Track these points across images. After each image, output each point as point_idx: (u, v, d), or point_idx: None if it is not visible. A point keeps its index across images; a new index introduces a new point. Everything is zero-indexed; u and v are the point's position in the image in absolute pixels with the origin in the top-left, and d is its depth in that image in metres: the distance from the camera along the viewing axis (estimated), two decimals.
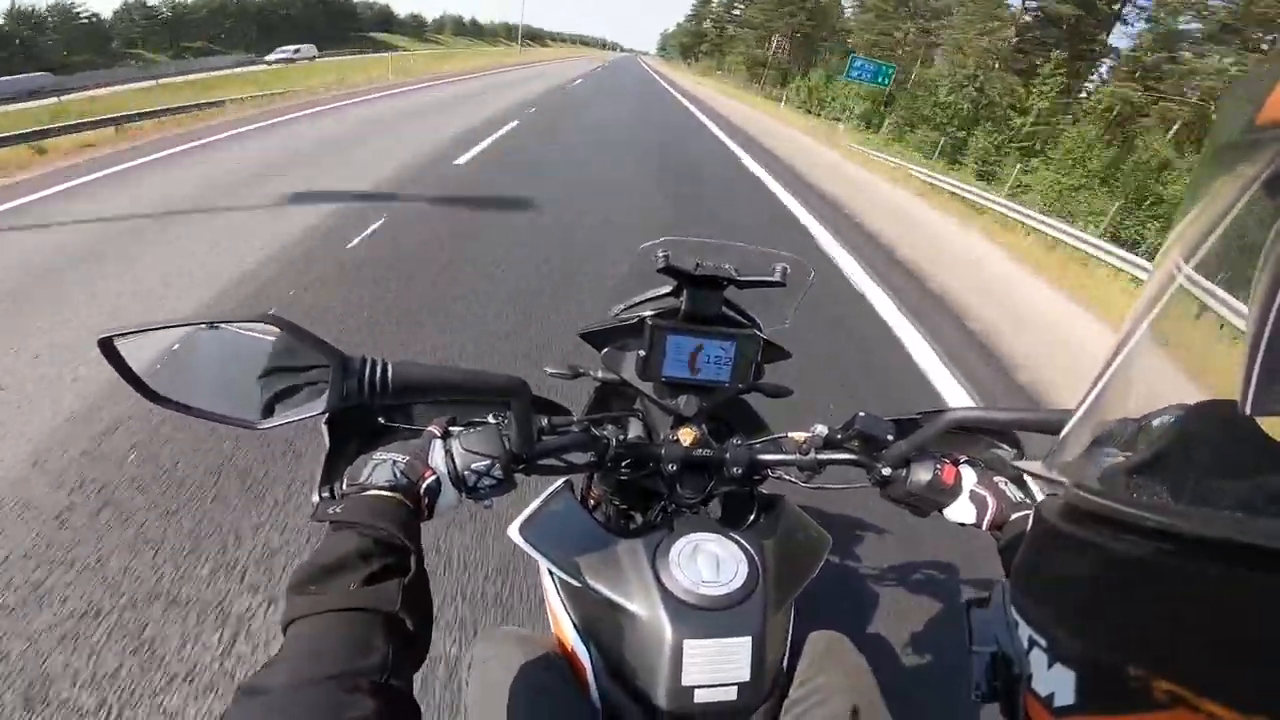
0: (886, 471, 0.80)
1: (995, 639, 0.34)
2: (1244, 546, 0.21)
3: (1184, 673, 0.22)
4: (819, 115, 32.34)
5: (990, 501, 0.75)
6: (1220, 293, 0.27)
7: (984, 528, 0.76)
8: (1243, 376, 0.24)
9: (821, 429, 0.85)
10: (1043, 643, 0.29)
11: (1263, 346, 0.23)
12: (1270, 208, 0.25)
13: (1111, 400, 0.32)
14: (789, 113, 29.15)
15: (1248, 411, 0.24)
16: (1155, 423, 0.29)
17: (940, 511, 0.79)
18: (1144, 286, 0.31)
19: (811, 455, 0.84)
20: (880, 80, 24.38)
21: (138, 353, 0.56)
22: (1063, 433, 0.34)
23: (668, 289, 0.89)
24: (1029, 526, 0.34)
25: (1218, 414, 0.26)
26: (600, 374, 0.93)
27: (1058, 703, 0.27)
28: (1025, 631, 0.30)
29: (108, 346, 0.54)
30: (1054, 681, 0.27)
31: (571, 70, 39.79)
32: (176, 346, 0.59)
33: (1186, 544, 0.22)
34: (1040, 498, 0.70)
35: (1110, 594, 0.26)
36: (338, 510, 0.57)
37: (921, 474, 0.78)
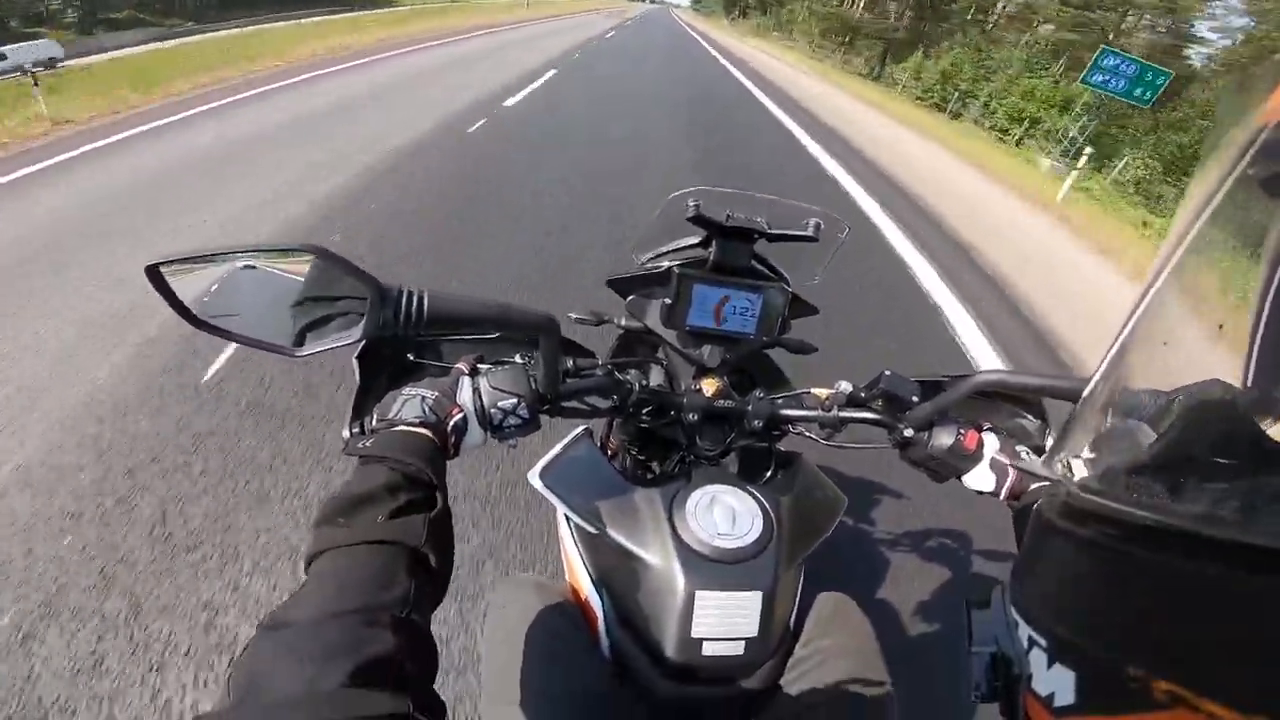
0: (909, 433, 0.79)
1: (995, 639, 0.34)
2: (1244, 546, 0.21)
3: (1184, 673, 0.22)
4: (958, 117, 20.54)
5: (1010, 471, 0.75)
6: (1220, 290, 0.28)
7: (1002, 497, 0.76)
8: (1244, 376, 0.24)
9: (845, 386, 0.84)
10: (1042, 643, 0.29)
11: (1265, 346, 0.23)
12: (1270, 206, 0.25)
13: (1111, 400, 0.32)
14: (910, 110, 16.80)
15: (1251, 410, 0.24)
16: (1154, 422, 0.29)
17: (959, 478, 0.79)
18: (1143, 284, 0.30)
19: (834, 412, 0.84)
20: (1142, 93, 11.69)
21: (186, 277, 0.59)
22: (1063, 433, 0.34)
23: (696, 239, 0.89)
24: (1028, 528, 0.33)
25: (1217, 413, 0.26)
26: (625, 321, 0.93)
27: (1058, 703, 0.27)
28: (1025, 631, 0.30)
29: (154, 274, 0.55)
30: (1054, 681, 0.27)
31: (585, 34, 26.11)
32: (221, 274, 0.61)
33: (1187, 544, 0.22)
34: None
35: (1110, 594, 0.26)
36: (367, 445, 0.58)
37: (944, 438, 0.77)
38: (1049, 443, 0.80)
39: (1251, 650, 0.21)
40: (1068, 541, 0.29)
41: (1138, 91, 12.01)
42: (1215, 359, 0.29)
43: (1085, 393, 0.33)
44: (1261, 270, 0.24)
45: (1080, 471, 0.32)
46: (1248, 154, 0.25)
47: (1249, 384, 0.24)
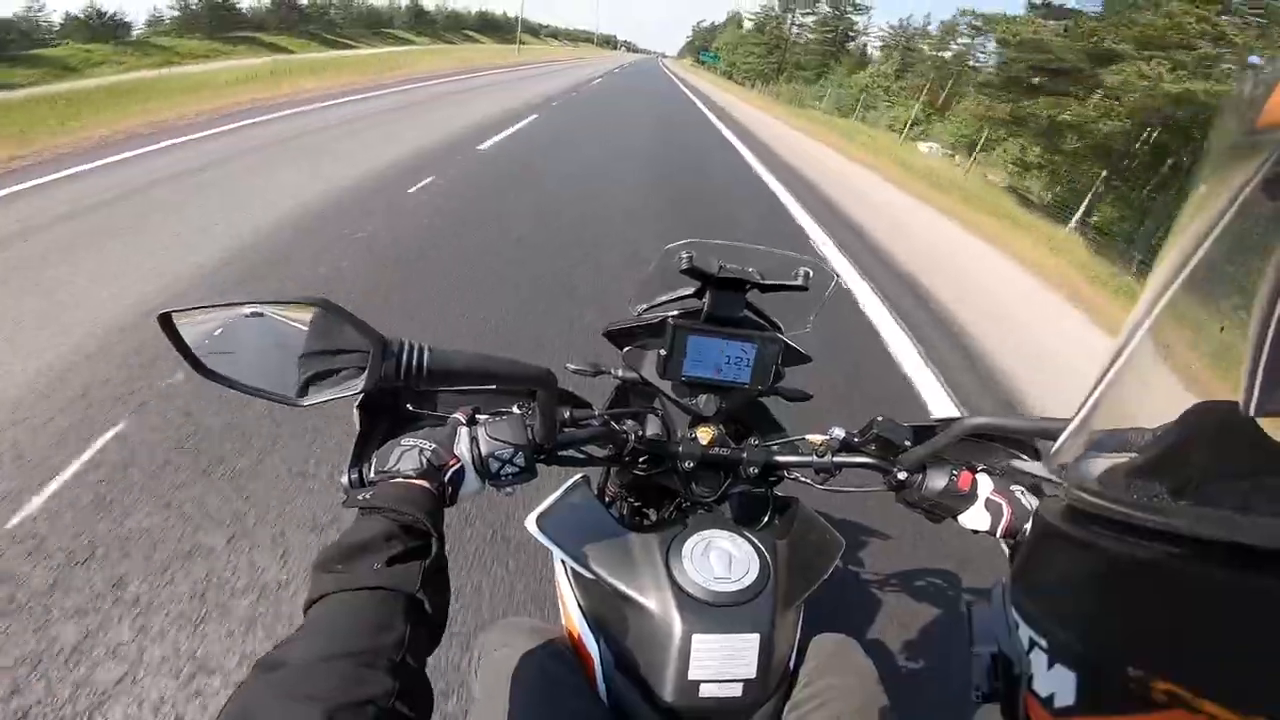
0: (902, 476, 0.80)
1: (995, 639, 0.34)
2: (1243, 547, 0.21)
3: (1184, 673, 0.22)
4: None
5: (1005, 509, 0.75)
6: (1220, 295, 0.28)
7: (998, 535, 0.76)
8: (1245, 378, 0.24)
9: (839, 432, 0.86)
10: (1043, 643, 0.29)
11: (1266, 348, 0.23)
12: (1270, 210, 0.25)
13: (1111, 402, 0.32)
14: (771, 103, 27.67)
15: (1250, 413, 0.24)
16: (1155, 424, 0.29)
17: (955, 518, 0.79)
18: (1143, 288, 0.30)
19: (828, 458, 0.85)
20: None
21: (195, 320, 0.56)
22: (1063, 434, 0.34)
23: (690, 290, 0.91)
24: (1029, 527, 0.34)
25: (1217, 415, 0.26)
26: (621, 372, 0.94)
27: (1058, 703, 0.27)
28: (1025, 632, 0.30)
29: (166, 322, 0.57)
30: (1054, 682, 0.27)
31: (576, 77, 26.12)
32: (229, 323, 0.63)
33: (1186, 545, 0.22)
34: None
35: (1110, 595, 0.26)
36: (367, 496, 0.59)
37: (937, 480, 0.78)
38: (1044, 481, 0.81)
39: (1251, 650, 0.21)
40: (1068, 543, 0.29)
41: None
42: (1215, 361, 0.29)
43: (1086, 393, 0.33)
44: (1263, 273, 0.24)
45: (1080, 473, 0.32)
46: (1248, 157, 0.26)
47: (1251, 386, 0.24)
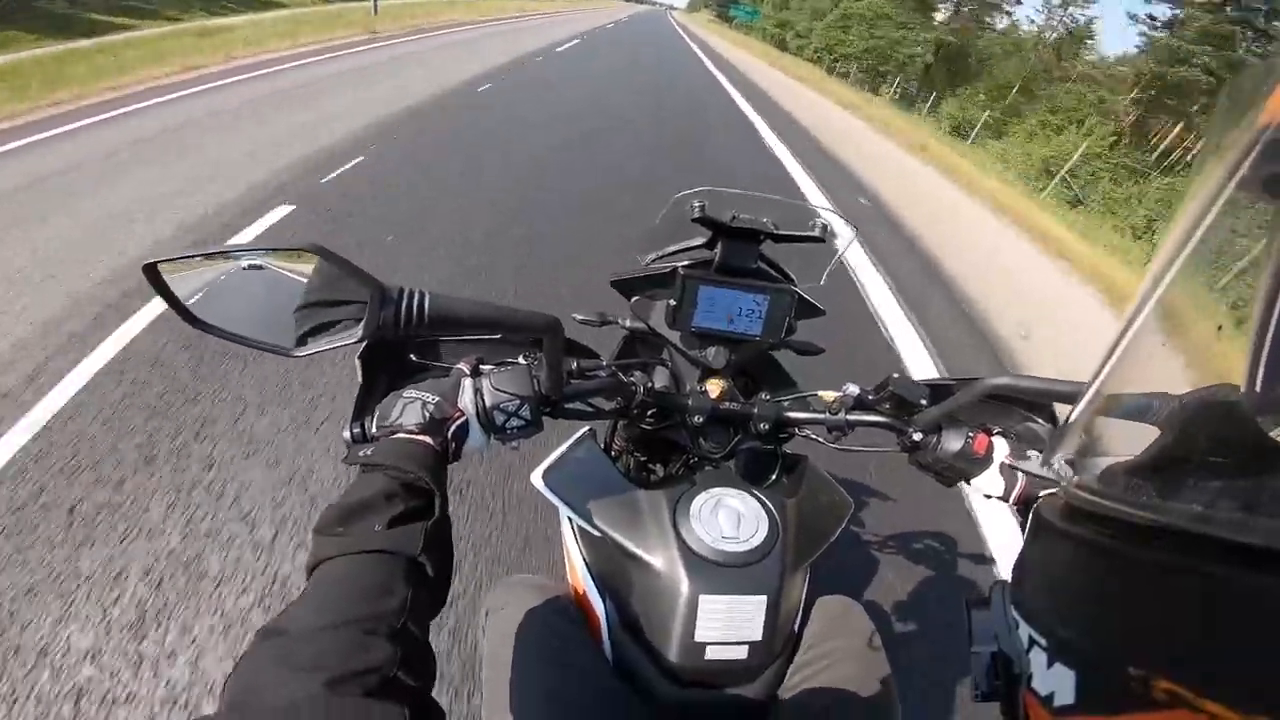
0: (917, 437, 0.79)
1: (995, 638, 0.34)
2: (1244, 546, 0.21)
3: (1184, 672, 0.22)
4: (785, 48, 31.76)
5: (1020, 476, 0.74)
6: (1220, 292, 0.28)
7: (1010, 501, 0.75)
8: (1246, 373, 0.24)
9: (853, 389, 0.84)
10: (1042, 642, 0.29)
11: (1267, 343, 0.23)
12: (1270, 207, 0.25)
13: (1110, 400, 0.32)
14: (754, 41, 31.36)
15: (1252, 410, 0.24)
16: (1154, 421, 0.29)
17: (967, 481, 0.78)
18: (1142, 285, 0.30)
19: (841, 415, 0.83)
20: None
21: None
22: (1061, 433, 0.34)
23: (701, 240, 0.88)
24: (1028, 528, 0.34)
25: (1217, 413, 0.26)
26: (629, 322, 0.92)
27: (1057, 702, 0.27)
28: (1025, 631, 0.30)
29: (152, 272, 0.55)
30: (1054, 681, 0.27)
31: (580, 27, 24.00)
32: (220, 274, 0.60)
33: (1186, 543, 0.22)
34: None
35: (1110, 593, 0.26)
36: (368, 453, 0.58)
37: (953, 442, 0.76)
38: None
39: (1252, 649, 0.21)
40: (1068, 541, 0.29)
41: None
42: (1215, 361, 0.29)
43: (1085, 393, 0.33)
44: (1263, 271, 0.24)
45: (1080, 471, 0.32)
46: (1248, 155, 0.25)
47: (1250, 384, 0.24)
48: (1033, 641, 0.29)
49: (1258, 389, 0.24)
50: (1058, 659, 0.27)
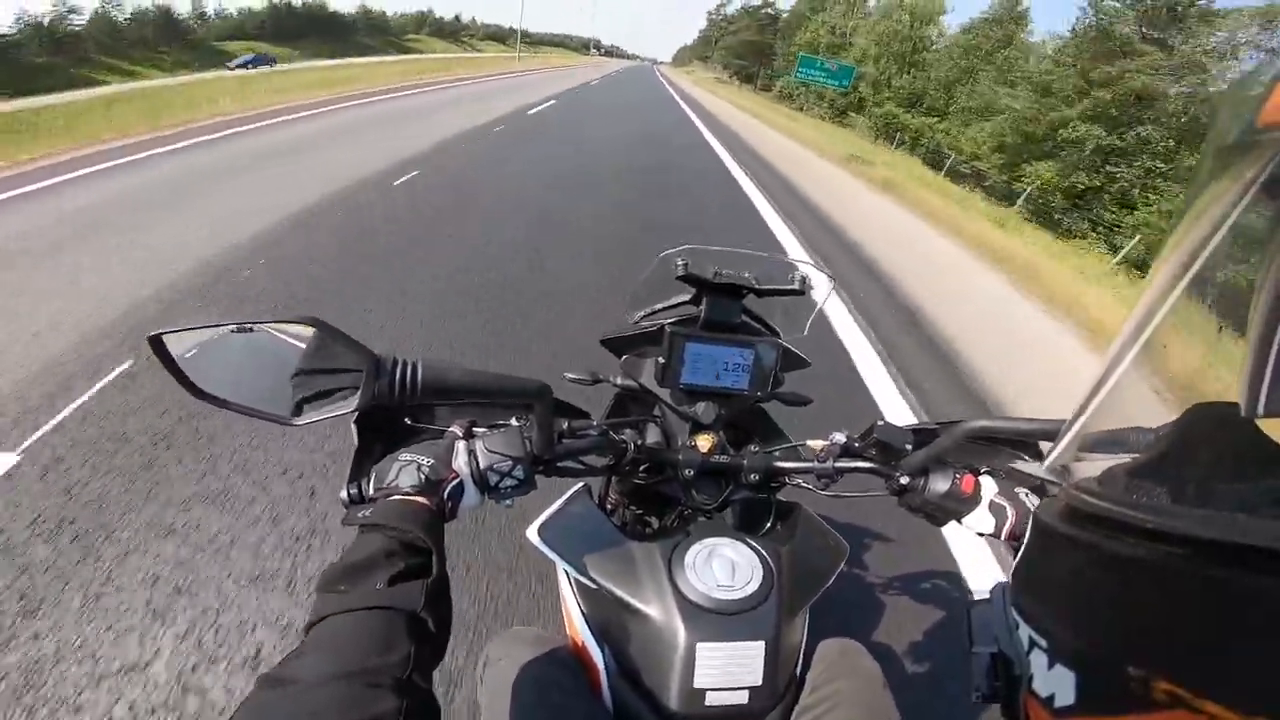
0: (905, 480, 0.80)
1: (995, 640, 0.34)
2: (1243, 548, 0.21)
3: (1184, 673, 0.22)
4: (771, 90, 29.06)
5: (1009, 512, 0.75)
6: (1221, 295, 0.28)
7: (1002, 538, 0.76)
8: (1245, 379, 0.24)
9: (839, 437, 0.85)
10: (1043, 643, 0.29)
11: (1273, 351, 0.23)
12: (1271, 210, 0.25)
13: (1111, 402, 0.32)
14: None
15: (1250, 414, 0.24)
16: (1154, 425, 0.29)
17: (959, 521, 0.79)
18: (1143, 289, 0.30)
19: (829, 463, 0.84)
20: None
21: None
22: (1062, 435, 0.34)
23: (687, 297, 0.91)
24: (1028, 528, 0.34)
25: (1217, 416, 0.26)
26: (619, 380, 0.94)
27: (1058, 703, 0.27)
28: (1025, 632, 0.30)
29: (157, 343, 0.57)
30: (1054, 682, 0.27)
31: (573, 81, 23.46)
32: (221, 344, 0.62)
33: (1186, 545, 0.22)
34: None
35: (1110, 595, 0.26)
36: (366, 514, 0.59)
37: (940, 483, 0.78)
38: (1048, 484, 0.81)
39: (1252, 650, 0.21)
40: (1068, 543, 0.29)
41: None
42: (1216, 361, 0.28)
43: (1085, 393, 0.33)
44: (1264, 274, 0.24)
45: (1080, 473, 0.32)
46: (1248, 157, 0.25)
47: (1253, 387, 0.24)
48: (1033, 643, 0.29)
49: (1258, 393, 0.24)
50: (1058, 660, 0.27)
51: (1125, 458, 0.30)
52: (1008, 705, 0.33)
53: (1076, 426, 0.33)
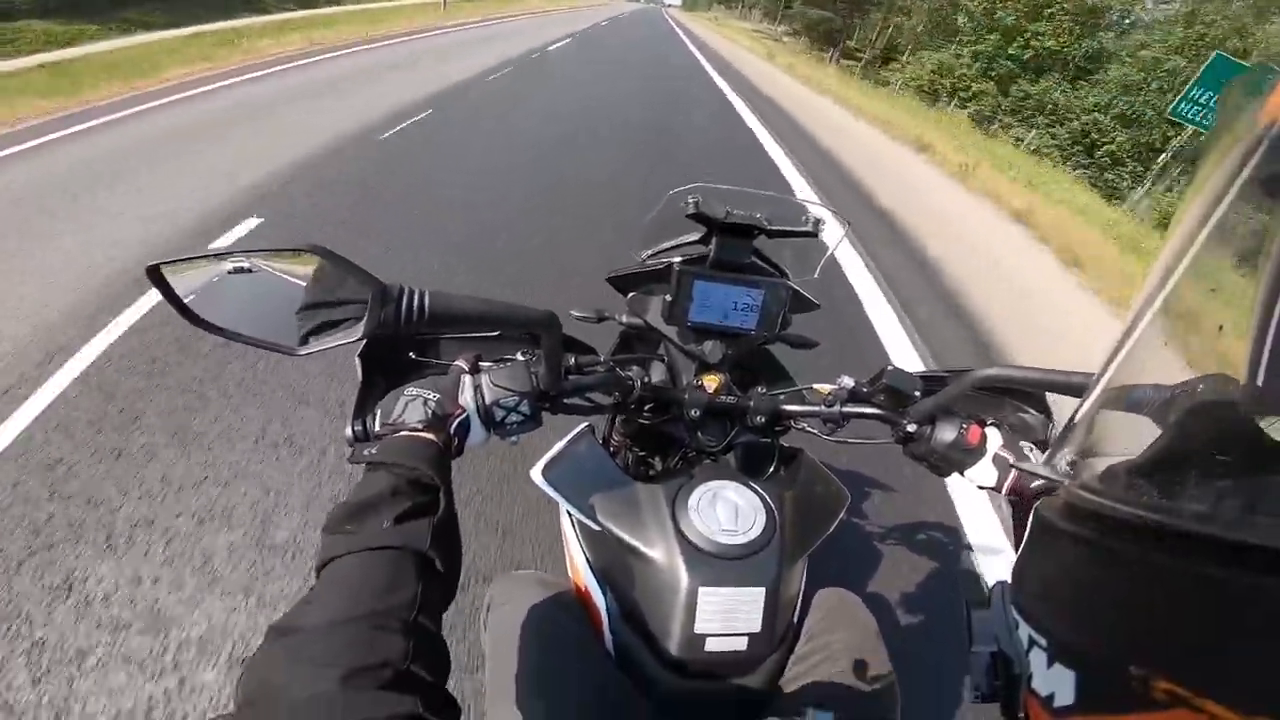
0: (911, 428, 0.79)
1: (995, 639, 0.34)
2: (1244, 546, 0.21)
3: (1184, 672, 0.22)
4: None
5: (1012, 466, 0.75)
6: (1222, 289, 0.27)
7: (1004, 491, 0.75)
8: (1246, 375, 0.24)
9: (848, 381, 0.84)
10: (1042, 642, 0.29)
11: (1268, 344, 0.23)
12: (1272, 205, 0.25)
13: (1111, 400, 0.32)
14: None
15: (1251, 408, 0.24)
16: (1155, 421, 0.29)
17: (961, 472, 0.79)
18: (1144, 283, 0.30)
19: (836, 408, 0.84)
20: None
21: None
22: (1062, 433, 0.34)
23: (696, 235, 0.89)
24: (1028, 528, 0.34)
25: (1217, 414, 0.26)
26: (626, 318, 0.93)
27: (1058, 703, 0.27)
28: (1025, 631, 0.30)
29: (155, 274, 0.56)
30: (1054, 681, 0.27)
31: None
32: (222, 274, 0.61)
33: (1187, 544, 0.22)
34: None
35: (1110, 594, 0.26)
36: (373, 451, 0.58)
37: (946, 432, 0.77)
38: (1052, 437, 0.80)
39: (1252, 650, 0.21)
40: (1068, 541, 0.29)
41: None
42: (1217, 358, 0.28)
43: (1086, 393, 0.33)
44: (1263, 269, 0.24)
45: (1080, 471, 0.32)
46: (1250, 153, 0.25)
47: (1253, 380, 0.24)
48: (1033, 642, 0.29)
49: (1258, 383, 0.24)
50: (1058, 659, 0.27)
51: (1126, 456, 0.29)
52: (1007, 705, 0.33)
53: (1078, 421, 0.33)
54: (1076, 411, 0.34)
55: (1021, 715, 0.31)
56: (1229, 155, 0.26)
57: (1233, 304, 0.26)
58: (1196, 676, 0.21)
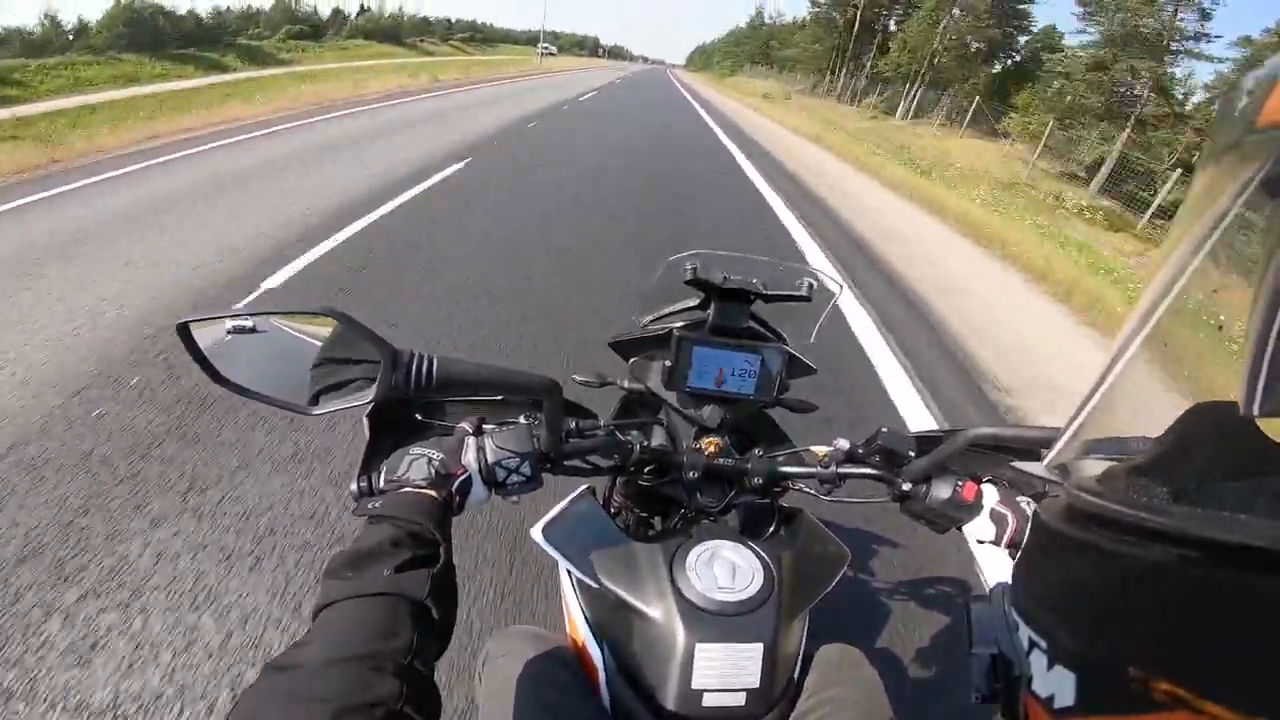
0: (907, 487, 0.80)
1: (995, 640, 0.34)
2: (1244, 548, 0.21)
3: (1185, 673, 0.22)
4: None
5: (1010, 520, 0.75)
6: (1220, 295, 0.28)
7: (1002, 546, 0.76)
8: (1245, 379, 0.24)
9: (843, 443, 0.86)
10: (1043, 644, 0.29)
11: (1269, 350, 0.23)
12: (1270, 209, 0.25)
13: (1112, 402, 0.31)
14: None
15: (1250, 413, 0.24)
16: (1155, 427, 0.28)
17: (959, 529, 0.79)
18: (1143, 288, 0.30)
19: (833, 469, 0.85)
20: None
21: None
22: (1062, 435, 0.34)
23: (695, 301, 0.92)
24: (1028, 528, 0.34)
25: (1217, 415, 0.26)
26: (627, 383, 0.95)
27: (1058, 704, 0.27)
28: (1025, 633, 0.30)
29: (184, 331, 0.59)
30: (1054, 683, 0.27)
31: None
32: (243, 333, 0.64)
33: (1186, 545, 0.22)
34: None
35: (1110, 595, 0.26)
36: (377, 505, 0.60)
37: (942, 490, 0.78)
38: (1048, 489, 0.81)
39: (1252, 651, 0.21)
40: (1068, 543, 0.29)
41: None
42: (1216, 359, 0.28)
43: (1085, 393, 0.32)
44: (1263, 273, 0.24)
45: (1080, 473, 0.32)
46: (1248, 156, 0.25)
47: (1251, 386, 0.24)
48: (1033, 643, 0.29)
49: (1256, 393, 0.23)
50: (1058, 661, 0.27)
51: (1125, 457, 0.30)
52: (1007, 706, 0.33)
53: (1076, 424, 0.33)
54: (1075, 412, 0.33)
55: (1022, 717, 0.31)
56: (1226, 159, 0.27)
57: (1234, 303, 0.26)
58: (1196, 677, 0.21)
